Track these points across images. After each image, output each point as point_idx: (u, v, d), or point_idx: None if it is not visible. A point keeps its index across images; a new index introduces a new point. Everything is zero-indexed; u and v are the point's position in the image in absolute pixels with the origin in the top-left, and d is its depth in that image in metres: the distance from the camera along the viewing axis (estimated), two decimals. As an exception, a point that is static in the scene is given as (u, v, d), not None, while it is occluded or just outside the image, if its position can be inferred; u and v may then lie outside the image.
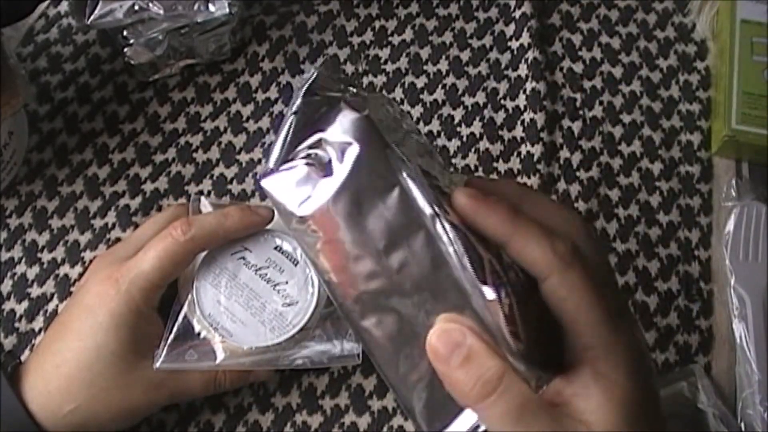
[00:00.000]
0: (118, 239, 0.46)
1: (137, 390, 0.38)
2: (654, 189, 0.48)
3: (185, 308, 0.39)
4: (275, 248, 0.39)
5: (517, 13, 0.52)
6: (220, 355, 0.38)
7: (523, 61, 0.51)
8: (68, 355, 0.37)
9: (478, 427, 0.30)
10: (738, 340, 0.45)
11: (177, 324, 0.38)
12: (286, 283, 0.39)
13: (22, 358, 0.41)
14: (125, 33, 0.47)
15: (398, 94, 0.50)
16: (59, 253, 0.46)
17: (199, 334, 0.38)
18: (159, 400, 0.39)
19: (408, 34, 0.52)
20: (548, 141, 0.49)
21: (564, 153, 0.49)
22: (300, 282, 0.39)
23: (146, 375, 0.38)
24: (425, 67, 0.51)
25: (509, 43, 0.51)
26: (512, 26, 0.52)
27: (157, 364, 0.38)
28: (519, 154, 0.49)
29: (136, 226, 0.46)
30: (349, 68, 0.50)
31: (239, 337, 0.38)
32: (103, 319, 0.37)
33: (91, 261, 0.45)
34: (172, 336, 0.38)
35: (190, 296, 0.38)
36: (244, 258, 0.39)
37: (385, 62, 0.51)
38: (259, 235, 0.39)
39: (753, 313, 0.45)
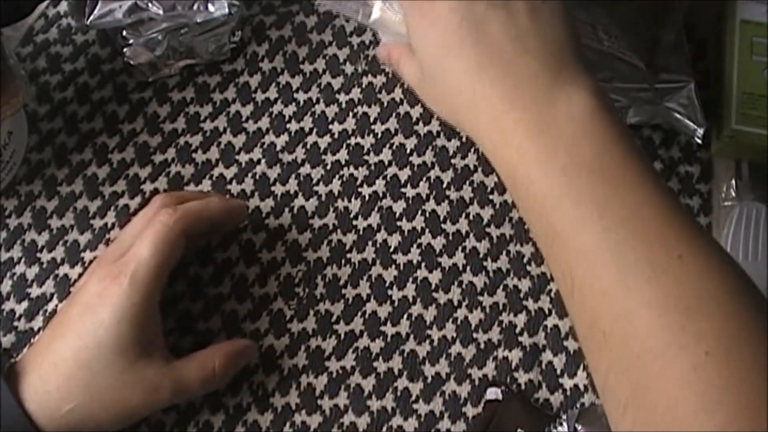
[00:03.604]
0: (117, 239, 0.46)
1: (136, 391, 0.38)
2: (654, 189, 0.48)
3: None
4: None
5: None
6: (374, 16, 0.41)
7: (522, 61, 0.50)
8: (67, 354, 0.37)
9: None
10: (738, 341, 0.45)
11: None
12: None
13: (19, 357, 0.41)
14: (125, 33, 0.47)
15: (398, 94, 0.50)
16: (59, 253, 0.46)
17: None
18: (157, 402, 0.39)
19: (407, 35, 0.52)
20: (548, 141, 0.49)
21: (563, 153, 0.49)
22: None
23: (145, 375, 0.38)
24: (425, 68, 0.51)
25: (509, 43, 0.51)
26: (512, 26, 0.52)
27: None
28: (518, 154, 0.49)
29: (136, 226, 0.46)
30: (349, 68, 0.50)
31: (397, 9, 0.40)
32: (105, 316, 0.37)
33: (91, 261, 0.45)
34: None
35: None
36: None
37: (385, 62, 0.51)
38: None
39: (753, 313, 0.45)
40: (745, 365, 0.27)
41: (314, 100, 0.50)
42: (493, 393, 0.43)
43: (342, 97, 0.50)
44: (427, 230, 0.47)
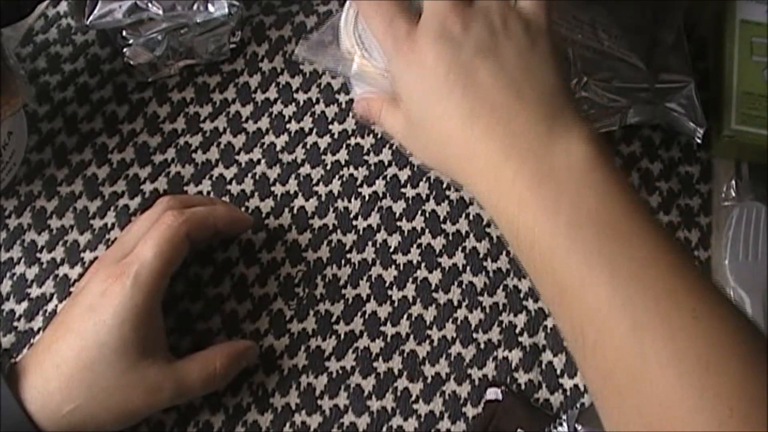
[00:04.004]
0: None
1: (138, 391, 0.38)
2: (654, 189, 0.48)
3: (343, 17, 0.40)
4: None
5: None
6: (354, 68, 0.39)
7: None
8: (69, 355, 0.37)
9: None
10: (737, 341, 0.45)
11: (331, 25, 0.40)
12: None
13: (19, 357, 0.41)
14: (124, 33, 0.47)
15: (398, 94, 0.50)
16: (58, 253, 0.46)
17: (344, 46, 0.40)
18: (159, 403, 0.39)
19: (407, 34, 0.51)
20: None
21: (563, 153, 0.49)
22: None
23: (147, 376, 0.38)
24: (425, 67, 0.51)
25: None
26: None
27: (297, 50, 0.40)
28: (518, 154, 0.49)
29: (136, 226, 0.46)
30: (349, 68, 0.50)
31: (377, 60, 0.39)
32: (107, 317, 0.37)
33: (91, 262, 0.45)
34: (321, 31, 0.40)
35: (351, 10, 0.40)
36: None
37: (385, 62, 0.51)
38: None
39: (753, 313, 0.45)
40: (766, 422, 0.27)
41: (314, 100, 0.50)
42: (493, 393, 0.43)
43: (342, 98, 0.50)
44: (427, 230, 0.47)
